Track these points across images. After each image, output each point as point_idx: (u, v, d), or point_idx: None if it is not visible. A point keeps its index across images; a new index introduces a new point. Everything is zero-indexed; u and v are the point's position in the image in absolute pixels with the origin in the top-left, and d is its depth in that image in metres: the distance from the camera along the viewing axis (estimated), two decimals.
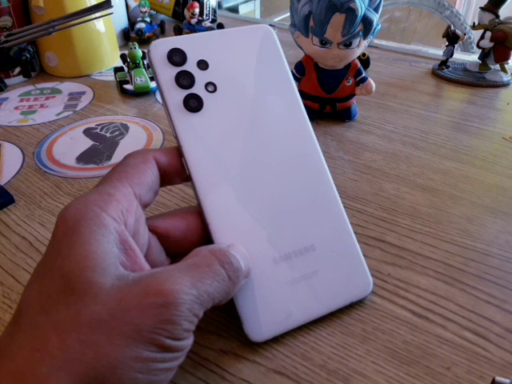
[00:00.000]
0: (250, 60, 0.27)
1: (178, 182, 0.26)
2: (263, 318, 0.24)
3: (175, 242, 0.24)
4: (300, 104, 0.27)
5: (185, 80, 0.25)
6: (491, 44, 0.57)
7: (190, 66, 0.25)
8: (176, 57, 0.25)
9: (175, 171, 0.25)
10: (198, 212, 0.25)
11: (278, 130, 0.26)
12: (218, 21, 0.79)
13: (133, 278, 0.19)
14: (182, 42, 0.25)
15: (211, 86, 0.25)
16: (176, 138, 0.25)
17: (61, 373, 0.16)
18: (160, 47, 0.25)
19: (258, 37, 0.27)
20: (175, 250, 0.25)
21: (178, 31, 0.73)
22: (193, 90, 0.25)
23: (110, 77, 0.62)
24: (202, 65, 0.25)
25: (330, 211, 0.27)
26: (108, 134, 0.48)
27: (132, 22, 0.74)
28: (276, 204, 0.26)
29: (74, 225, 0.19)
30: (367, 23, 0.42)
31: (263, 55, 0.27)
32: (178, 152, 0.25)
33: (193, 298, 0.19)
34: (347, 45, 0.43)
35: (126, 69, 0.59)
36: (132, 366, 0.17)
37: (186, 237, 0.25)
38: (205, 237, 0.25)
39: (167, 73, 0.25)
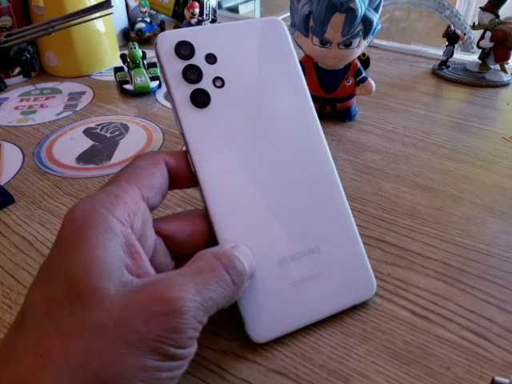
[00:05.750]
0: (259, 54, 0.26)
1: (186, 187, 0.25)
2: (266, 319, 0.24)
3: (181, 244, 0.24)
4: (309, 99, 0.27)
5: (192, 74, 0.24)
6: (491, 44, 0.57)
7: (198, 59, 0.25)
8: (184, 50, 0.24)
9: (184, 175, 0.24)
10: (205, 215, 0.25)
11: (286, 127, 0.26)
12: (218, 21, 0.79)
13: (137, 284, 0.19)
14: (190, 34, 0.25)
15: (219, 81, 0.25)
16: (182, 134, 0.24)
17: (64, 380, 0.16)
18: (168, 40, 0.24)
19: (267, 30, 0.26)
20: (180, 252, 0.24)
21: None
22: (200, 85, 0.24)
23: (110, 77, 0.62)
24: (210, 59, 0.25)
25: (336, 212, 0.27)
26: (108, 134, 0.48)
27: (132, 22, 0.74)
28: (282, 204, 0.25)
29: (80, 227, 0.19)
30: (367, 23, 0.42)
31: (273, 49, 0.26)
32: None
33: (197, 305, 0.19)
34: (347, 45, 0.43)
35: (125, 69, 0.59)
36: (136, 375, 0.17)
37: (192, 240, 0.24)
38: (211, 240, 0.24)
39: (174, 66, 0.24)
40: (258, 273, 0.24)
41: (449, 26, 0.60)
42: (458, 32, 0.59)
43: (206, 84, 0.25)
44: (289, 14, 0.46)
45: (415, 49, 0.70)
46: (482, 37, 0.58)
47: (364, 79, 0.47)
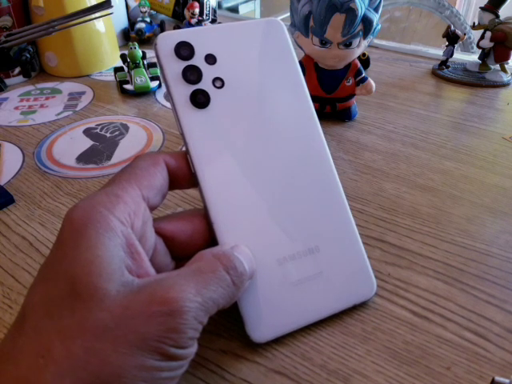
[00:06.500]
0: (258, 54, 0.26)
1: (186, 187, 0.25)
2: (266, 319, 0.24)
3: (181, 245, 0.24)
4: (309, 99, 0.27)
5: (192, 75, 0.24)
6: (491, 44, 0.57)
7: (198, 60, 0.25)
8: (183, 50, 0.24)
9: (184, 175, 0.24)
10: (205, 215, 0.25)
11: (286, 127, 0.26)
12: (218, 21, 0.80)
13: (137, 284, 0.19)
14: (189, 35, 0.25)
15: (219, 82, 0.25)
16: (182, 134, 0.24)
17: (65, 380, 0.16)
18: (167, 40, 0.24)
19: (267, 30, 0.26)
20: (180, 252, 0.24)
21: None
22: (200, 86, 0.24)
23: (110, 77, 0.62)
24: (210, 59, 0.25)
25: (335, 212, 0.27)
26: (108, 134, 0.48)
27: (132, 22, 0.74)
28: (282, 204, 0.25)
29: (80, 227, 0.19)
30: (367, 23, 0.42)
31: (272, 49, 0.26)
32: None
33: (198, 305, 0.19)
34: (347, 45, 0.43)
35: (125, 69, 0.59)
36: (136, 375, 0.17)
37: (192, 240, 0.24)
38: (211, 241, 0.24)
39: (174, 67, 0.24)
40: (257, 273, 0.24)
41: (449, 26, 0.60)
42: (458, 32, 0.59)
43: (205, 84, 0.25)
44: (289, 14, 0.46)
45: (415, 49, 0.70)
46: (482, 37, 0.58)
47: (364, 79, 0.47)
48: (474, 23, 0.60)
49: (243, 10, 1.36)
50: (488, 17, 0.57)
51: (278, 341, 0.25)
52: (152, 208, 0.23)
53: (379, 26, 0.44)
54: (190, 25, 0.71)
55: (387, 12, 1.44)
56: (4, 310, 0.28)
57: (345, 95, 0.48)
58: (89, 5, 0.59)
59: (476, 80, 0.59)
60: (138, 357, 0.17)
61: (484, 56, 0.59)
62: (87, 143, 0.47)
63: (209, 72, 0.25)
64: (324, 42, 0.43)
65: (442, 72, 0.61)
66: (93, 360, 0.17)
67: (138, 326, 0.18)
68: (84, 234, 0.19)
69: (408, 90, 0.57)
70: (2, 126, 0.50)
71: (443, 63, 0.62)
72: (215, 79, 0.25)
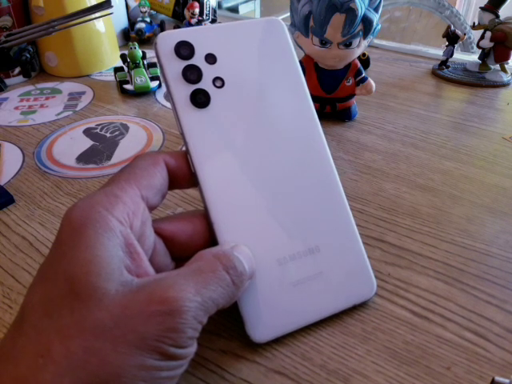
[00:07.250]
0: (258, 54, 0.26)
1: (186, 187, 0.25)
2: (266, 318, 0.24)
3: (181, 245, 0.24)
4: (309, 99, 0.27)
5: (192, 74, 0.24)
6: (491, 44, 0.57)
7: (198, 59, 0.25)
8: (183, 50, 0.24)
9: (184, 175, 0.24)
10: (205, 215, 0.25)
11: (286, 127, 0.26)
12: (218, 21, 0.79)
13: (137, 284, 0.19)
14: (190, 34, 0.25)
15: (219, 81, 0.25)
16: (182, 134, 0.24)
17: (64, 380, 0.16)
18: (167, 40, 0.24)
19: (267, 30, 0.26)
20: (180, 253, 0.24)
21: None
22: (200, 85, 0.24)
23: (110, 77, 0.62)
24: (210, 59, 0.25)
25: (335, 212, 0.27)
26: (108, 134, 0.48)
27: (132, 22, 0.74)
28: (282, 204, 0.25)
29: (79, 227, 0.19)
30: (367, 23, 0.42)
31: (273, 49, 0.26)
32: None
33: (197, 305, 0.19)
34: (347, 45, 0.43)
35: (125, 69, 0.59)
36: (136, 375, 0.17)
37: (192, 241, 0.24)
38: (211, 241, 0.24)
39: (174, 66, 0.24)
40: (257, 273, 0.24)
41: (449, 26, 0.60)
42: (458, 32, 0.59)
43: (205, 84, 0.25)
44: (289, 14, 0.46)
45: (415, 49, 0.70)
46: (482, 37, 0.58)
47: (364, 79, 0.47)
48: (473, 23, 0.60)
49: (243, 9, 1.36)
50: (488, 17, 0.57)
51: (278, 341, 0.25)
52: (151, 208, 0.23)
53: (379, 26, 0.44)
54: (189, 25, 0.71)
55: (387, 12, 1.44)
56: (4, 310, 0.28)
57: (345, 95, 0.48)
58: (89, 5, 0.59)
59: (476, 80, 0.59)
60: (137, 356, 0.17)
61: (484, 56, 0.59)
62: (87, 143, 0.47)
63: (209, 71, 0.25)
64: (324, 42, 0.43)
65: (441, 72, 0.61)
66: (92, 359, 0.17)
67: (137, 326, 0.18)
68: (83, 234, 0.19)
69: (408, 89, 0.57)
70: (2, 126, 0.50)
71: (443, 63, 0.62)
72: (215, 79, 0.25)
